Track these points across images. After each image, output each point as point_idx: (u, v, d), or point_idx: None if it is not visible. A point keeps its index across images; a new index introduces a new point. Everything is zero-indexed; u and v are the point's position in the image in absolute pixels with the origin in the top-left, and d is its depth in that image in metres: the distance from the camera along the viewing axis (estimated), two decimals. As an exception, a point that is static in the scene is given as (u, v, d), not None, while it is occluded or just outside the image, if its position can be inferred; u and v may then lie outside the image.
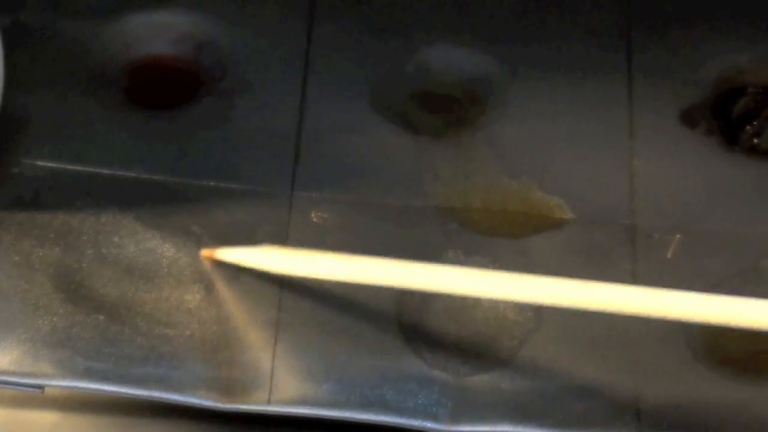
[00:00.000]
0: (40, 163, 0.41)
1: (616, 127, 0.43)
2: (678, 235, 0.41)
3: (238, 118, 0.42)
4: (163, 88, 0.43)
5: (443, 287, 0.36)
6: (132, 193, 0.40)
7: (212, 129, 0.42)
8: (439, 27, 0.44)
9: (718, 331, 0.39)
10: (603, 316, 0.38)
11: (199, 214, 0.40)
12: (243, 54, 0.43)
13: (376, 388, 0.38)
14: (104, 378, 0.37)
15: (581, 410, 0.38)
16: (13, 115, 0.41)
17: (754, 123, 0.43)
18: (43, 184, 0.40)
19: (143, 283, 0.39)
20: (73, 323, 0.38)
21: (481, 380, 0.38)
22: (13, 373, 0.37)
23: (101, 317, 0.38)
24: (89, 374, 0.37)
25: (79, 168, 0.41)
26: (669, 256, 0.41)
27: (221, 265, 0.39)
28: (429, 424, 0.37)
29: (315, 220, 0.40)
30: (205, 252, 0.39)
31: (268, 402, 0.37)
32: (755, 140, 0.43)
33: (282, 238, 0.40)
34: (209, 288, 0.39)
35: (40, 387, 0.37)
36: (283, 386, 0.37)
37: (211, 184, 0.41)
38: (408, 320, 0.39)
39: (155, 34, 0.43)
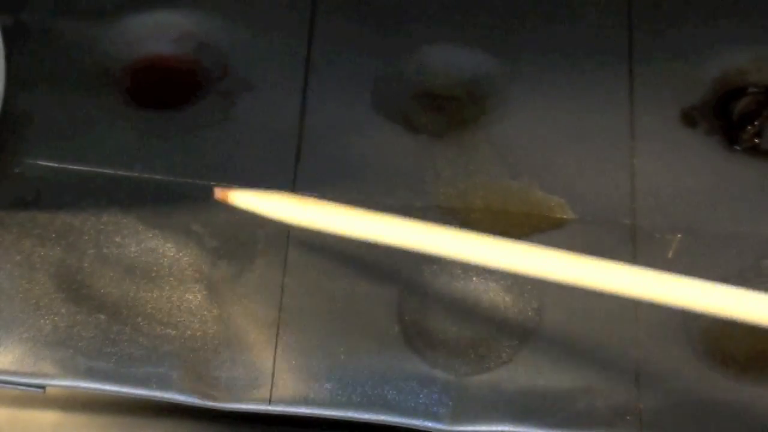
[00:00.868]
0: (42, 162, 0.41)
1: (617, 126, 0.43)
2: (679, 235, 0.41)
3: (239, 118, 0.42)
4: (164, 88, 0.43)
5: (450, 252, 0.35)
6: (133, 193, 0.40)
7: (213, 128, 0.42)
8: (440, 27, 0.44)
9: (719, 331, 0.39)
10: (603, 316, 0.39)
11: (201, 214, 0.40)
12: (244, 54, 0.43)
13: (377, 387, 0.38)
14: (105, 377, 0.37)
15: (581, 410, 0.38)
16: (15, 115, 0.41)
17: (755, 123, 0.43)
18: (44, 183, 0.40)
19: (144, 282, 0.39)
20: (75, 323, 0.38)
21: (482, 380, 0.38)
22: (15, 373, 0.37)
23: (102, 317, 0.38)
24: (91, 374, 0.37)
25: (80, 168, 0.41)
26: (670, 255, 0.41)
27: (221, 266, 0.39)
28: (430, 424, 0.37)
29: (316, 219, 0.40)
30: (218, 192, 0.38)
31: (269, 402, 0.37)
32: (756, 140, 0.43)
33: (283, 237, 0.40)
34: (210, 288, 0.39)
35: (42, 387, 0.37)
36: (284, 386, 0.37)
37: (213, 183, 0.41)
38: (409, 320, 0.39)
39: (156, 34, 0.43)
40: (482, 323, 0.39)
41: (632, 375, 0.38)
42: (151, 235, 0.40)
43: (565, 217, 0.41)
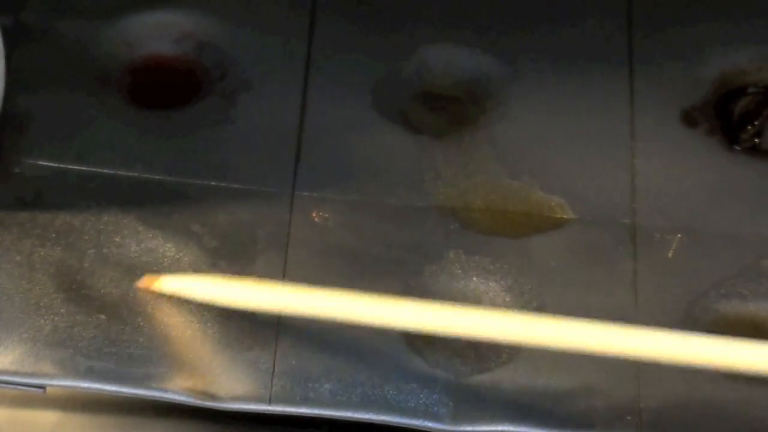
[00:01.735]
0: (42, 162, 0.41)
1: (617, 126, 0.43)
2: (679, 235, 0.41)
3: (239, 118, 0.42)
4: (164, 88, 0.43)
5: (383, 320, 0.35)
6: (133, 193, 0.40)
7: (213, 129, 0.42)
8: (440, 27, 0.44)
9: (719, 331, 0.39)
10: (603, 316, 0.38)
11: (201, 214, 0.40)
12: (244, 54, 0.43)
13: (377, 387, 0.38)
14: (106, 378, 0.37)
15: (581, 410, 0.38)
16: (15, 115, 0.41)
17: (755, 123, 0.43)
18: (44, 183, 0.40)
19: (145, 282, 0.39)
20: (75, 323, 0.38)
21: (482, 380, 0.38)
22: (15, 373, 0.37)
23: (103, 317, 0.38)
24: (91, 374, 0.37)
25: (80, 168, 0.41)
26: (670, 255, 0.40)
27: (221, 266, 0.39)
28: (430, 424, 0.37)
29: (316, 219, 0.40)
30: (140, 283, 0.38)
31: (269, 402, 0.37)
32: (756, 140, 0.43)
33: (283, 237, 0.40)
34: (210, 288, 0.39)
35: (42, 387, 0.37)
36: (284, 386, 0.37)
37: (213, 183, 0.41)
38: (409, 320, 0.39)
39: (156, 34, 0.43)
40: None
41: (632, 375, 0.38)
42: (151, 235, 0.40)
43: (565, 216, 0.41)
